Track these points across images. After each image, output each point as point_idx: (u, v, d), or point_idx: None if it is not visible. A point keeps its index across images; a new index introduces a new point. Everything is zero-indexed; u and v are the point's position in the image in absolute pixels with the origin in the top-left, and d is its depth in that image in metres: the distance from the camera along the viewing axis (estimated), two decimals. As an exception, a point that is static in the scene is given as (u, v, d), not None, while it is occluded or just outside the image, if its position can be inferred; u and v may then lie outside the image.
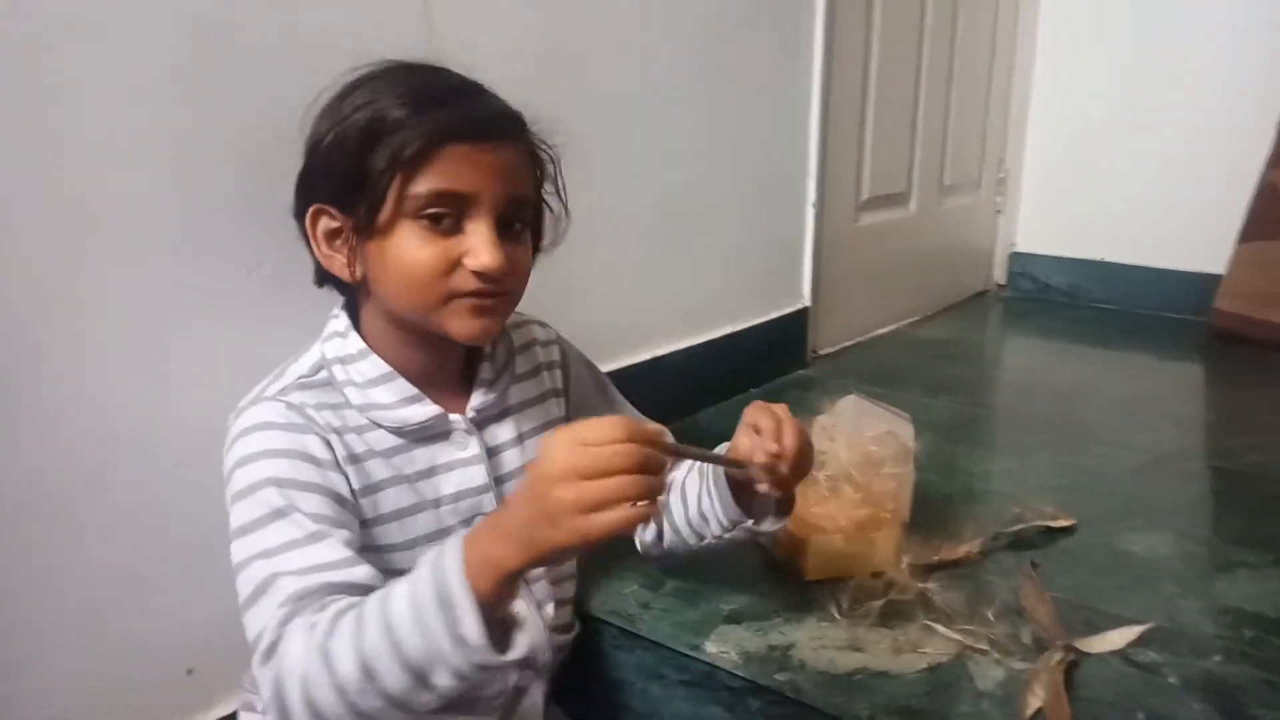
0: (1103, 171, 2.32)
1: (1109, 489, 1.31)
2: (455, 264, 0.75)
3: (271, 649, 0.66)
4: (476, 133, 0.74)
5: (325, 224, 0.77)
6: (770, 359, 1.77)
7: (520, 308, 0.83)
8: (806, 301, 1.83)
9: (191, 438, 0.93)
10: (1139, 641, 0.93)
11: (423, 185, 0.73)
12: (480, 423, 0.85)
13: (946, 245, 2.33)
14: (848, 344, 2.00)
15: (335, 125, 0.74)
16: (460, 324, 0.77)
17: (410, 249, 0.74)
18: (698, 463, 0.93)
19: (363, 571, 0.70)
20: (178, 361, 0.91)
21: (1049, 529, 1.16)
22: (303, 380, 0.79)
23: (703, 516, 0.91)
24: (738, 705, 0.91)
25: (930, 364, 1.93)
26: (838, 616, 0.96)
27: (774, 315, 1.76)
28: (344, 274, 0.78)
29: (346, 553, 0.70)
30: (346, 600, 0.67)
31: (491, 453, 0.86)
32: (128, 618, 0.91)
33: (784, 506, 0.88)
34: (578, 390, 0.96)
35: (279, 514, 0.71)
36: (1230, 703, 0.84)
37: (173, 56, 0.87)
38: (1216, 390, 1.94)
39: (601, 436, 0.62)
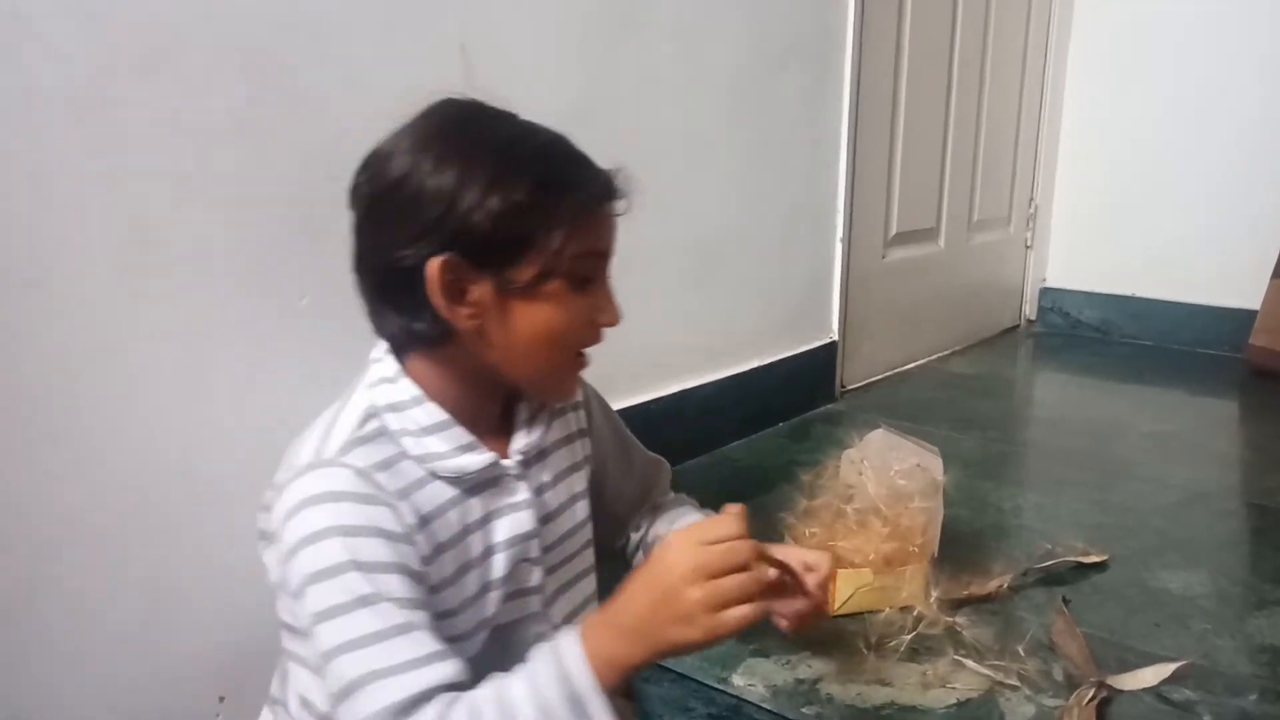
0: (1134, 206, 2.31)
1: (1142, 525, 1.30)
2: (589, 321, 0.77)
3: None
4: (615, 194, 0.76)
5: (451, 277, 0.71)
6: (799, 393, 1.77)
7: None
8: (835, 336, 1.83)
9: (233, 464, 0.95)
10: (1173, 679, 0.92)
11: (578, 246, 0.73)
12: (525, 465, 0.84)
13: (976, 280, 2.33)
14: (876, 379, 2.00)
15: (489, 181, 0.70)
16: (567, 384, 0.80)
17: (558, 308, 0.74)
18: (668, 514, 0.96)
19: (452, 668, 0.69)
20: (222, 388, 0.94)
21: (1080, 565, 1.15)
22: (357, 436, 0.74)
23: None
24: (766, 739, 0.91)
25: (960, 399, 1.93)
26: (866, 651, 0.96)
27: (803, 349, 1.77)
28: (464, 325, 0.73)
29: (434, 645, 0.69)
30: (457, 710, 0.66)
31: (536, 494, 0.84)
32: (161, 643, 0.93)
33: None
34: (598, 430, 0.95)
35: (363, 602, 0.67)
36: (1267, 743, 0.83)
37: (227, 99, 0.91)
38: (1252, 426, 1.92)
39: (722, 535, 0.66)
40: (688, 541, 0.66)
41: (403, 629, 0.68)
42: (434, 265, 0.70)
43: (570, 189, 0.73)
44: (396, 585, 0.69)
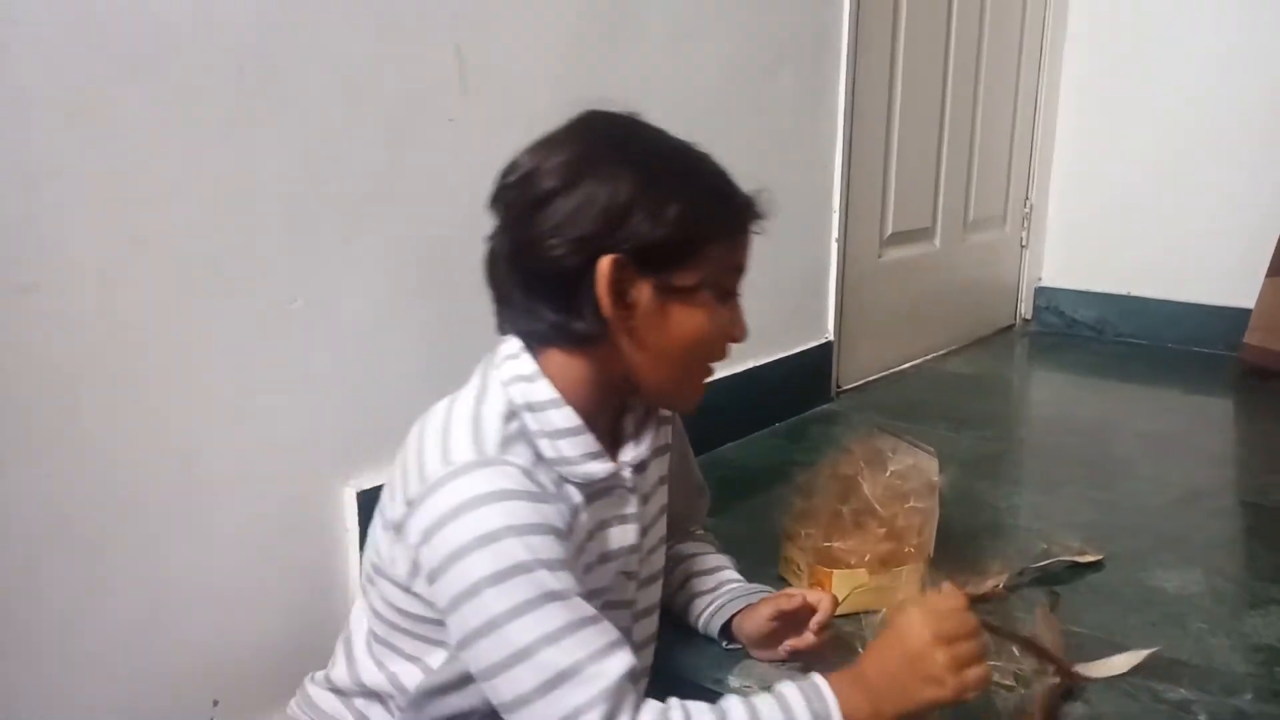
0: (1129, 205, 2.31)
1: (1138, 524, 1.30)
2: (725, 334, 0.80)
3: None
4: (763, 214, 0.81)
5: (618, 275, 0.73)
6: (795, 393, 1.77)
7: None
8: (831, 336, 1.83)
9: (228, 469, 0.95)
10: (1143, 667, 0.92)
11: (731, 260, 0.79)
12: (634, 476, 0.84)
13: (971, 280, 2.33)
14: (872, 378, 2.00)
15: (668, 188, 0.74)
16: (694, 395, 0.83)
17: (707, 317, 0.78)
18: (722, 580, 1.00)
19: (630, 655, 0.71)
20: (216, 392, 0.94)
21: (1076, 564, 1.15)
22: (508, 434, 0.74)
23: (685, 611, 1.00)
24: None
25: (955, 398, 1.93)
26: (861, 651, 0.96)
27: (798, 350, 1.77)
28: (621, 326, 0.75)
29: (616, 634, 0.71)
30: (685, 710, 0.70)
31: (642, 506, 0.85)
32: (155, 646, 0.92)
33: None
34: (676, 447, 0.95)
35: (553, 596, 0.68)
36: (1262, 742, 0.84)
37: (220, 101, 0.90)
38: (1247, 425, 1.92)
39: (954, 605, 0.74)
40: (930, 611, 0.73)
41: (594, 619, 0.70)
42: (605, 263, 0.72)
43: (734, 205, 0.78)
44: (573, 580, 0.71)
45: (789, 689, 0.73)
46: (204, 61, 0.89)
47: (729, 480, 1.43)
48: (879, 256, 1.97)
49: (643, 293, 0.75)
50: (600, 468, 0.78)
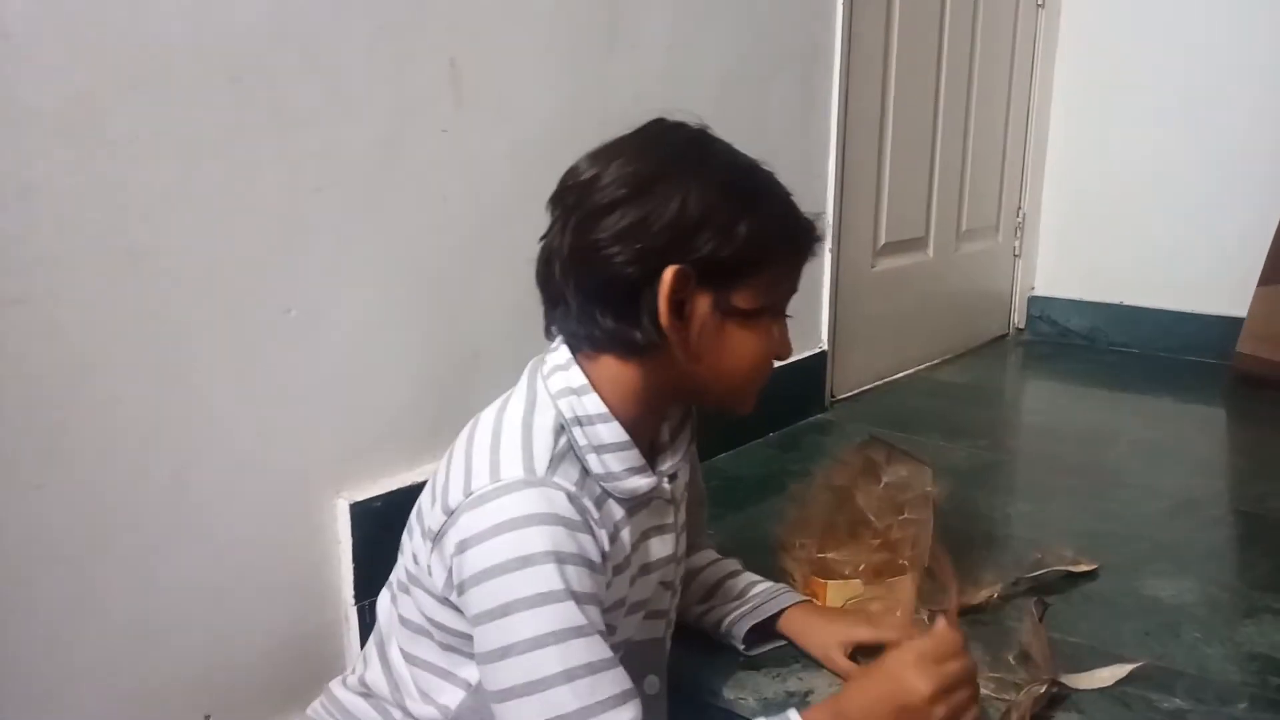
0: (1122, 214, 2.32)
1: (1132, 534, 1.30)
2: (775, 353, 0.81)
3: None
4: (822, 239, 0.82)
5: (679, 286, 0.73)
6: (788, 403, 1.77)
7: None
8: (825, 346, 1.83)
9: (221, 483, 0.95)
10: (1137, 676, 0.93)
11: (790, 283, 0.80)
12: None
13: (965, 289, 2.33)
14: (866, 388, 2.00)
15: (741, 207, 0.74)
16: (755, 397, 0.83)
17: (763, 337, 0.79)
18: (727, 573, 1.02)
19: (638, 709, 0.71)
20: (209, 405, 0.93)
21: (1070, 574, 1.15)
22: (558, 453, 0.74)
23: (703, 616, 1.00)
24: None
25: (949, 408, 1.93)
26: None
27: (792, 360, 1.76)
28: (678, 338, 0.74)
29: (629, 684, 0.71)
30: None
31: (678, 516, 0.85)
32: (146, 659, 0.92)
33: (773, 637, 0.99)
34: (692, 454, 0.95)
35: (579, 632, 0.68)
36: (1257, 751, 0.84)
37: (215, 113, 0.90)
38: (1241, 434, 1.93)
39: (949, 652, 0.75)
40: (929, 659, 0.74)
41: (611, 663, 0.70)
42: (669, 273, 0.72)
43: (800, 229, 0.79)
44: (598, 617, 0.70)
45: None
46: (199, 73, 0.89)
47: (722, 490, 1.42)
48: (872, 266, 1.97)
49: (701, 307, 0.75)
50: (644, 482, 0.78)
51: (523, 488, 0.71)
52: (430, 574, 0.75)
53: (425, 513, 0.76)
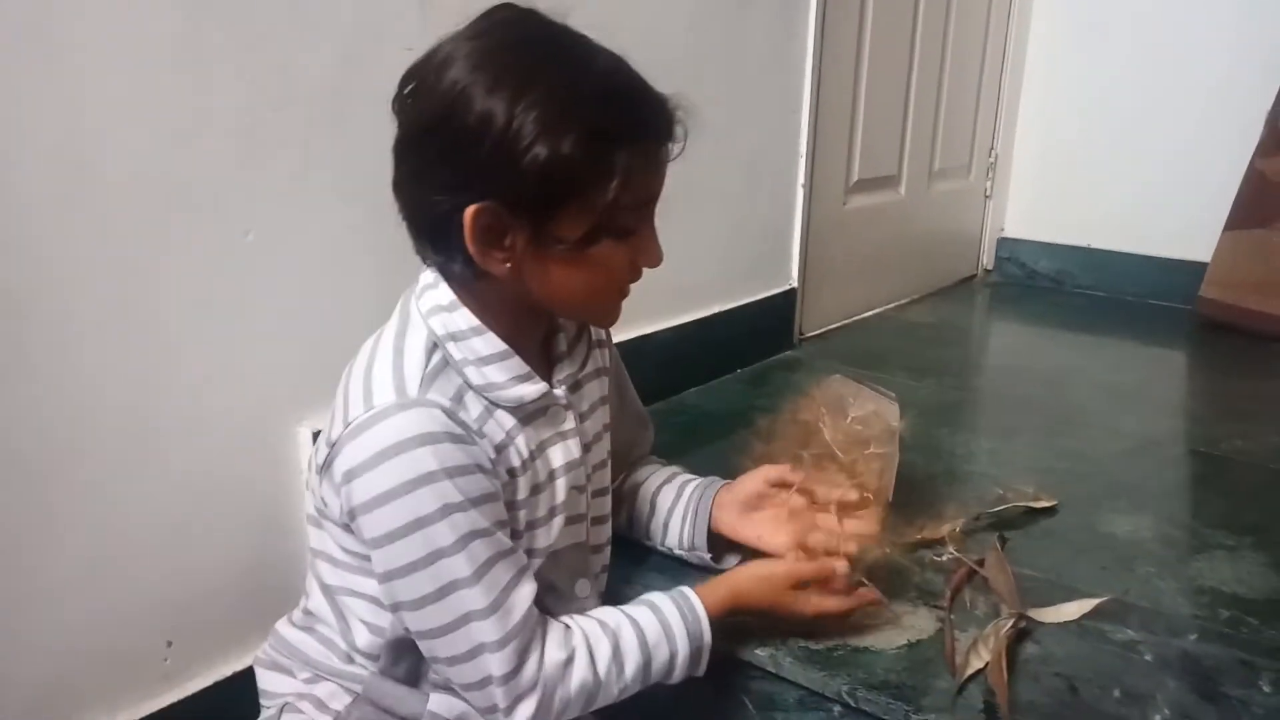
0: (1092, 159, 2.32)
1: (1092, 472, 1.32)
2: (630, 264, 0.77)
3: (534, 682, 0.73)
4: (672, 135, 0.74)
5: (488, 223, 0.69)
6: (758, 340, 1.77)
7: None
8: (795, 283, 1.83)
9: (179, 402, 0.93)
10: (1095, 613, 0.94)
11: (629, 197, 0.71)
12: (569, 394, 0.84)
13: (935, 229, 2.33)
14: (835, 326, 2.00)
15: (538, 129, 0.66)
16: (610, 315, 0.81)
17: (603, 260, 0.74)
18: (684, 482, 1.03)
19: (532, 585, 0.75)
20: (163, 331, 0.91)
21: (1031, 510, 1.17)
22: (431, 370, 0.73)
23: (664, 528, 1.00)
24: (719, 680, 0.91)
25: (917, 347, 1.94)
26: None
27: (762, 296, 1.76)
28: (498, 271, 0.72)
29: (523, 561, 0.75)
30: (584, 636, 0.76)
31: (579, 423, 0.85)
32: (107, 585, 0.91)
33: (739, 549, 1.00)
34: (614, 371, 0.96)
35: (479, 534, 0.71)
36: (1205, 681, 0.86)
37: (170, 25, 0.87)
38: (1201, 377, 1.96)
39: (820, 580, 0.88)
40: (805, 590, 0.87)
41: (508, 550, 0.73)
42: (469, 214, 0.69)
43: (626, 138, 0.70)
44: (494, 514, 0.73)
45: (661, 599, 0.82)
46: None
47: (691, 425, 1.43)
48: (844, 204, 1.96)
49: (520, 239, 0.71)
50: (531, 389, 0.77)
51: (396, 411, 0.71)
52: (327, 505, 0.76)
53: (319, 448, 0.77)
